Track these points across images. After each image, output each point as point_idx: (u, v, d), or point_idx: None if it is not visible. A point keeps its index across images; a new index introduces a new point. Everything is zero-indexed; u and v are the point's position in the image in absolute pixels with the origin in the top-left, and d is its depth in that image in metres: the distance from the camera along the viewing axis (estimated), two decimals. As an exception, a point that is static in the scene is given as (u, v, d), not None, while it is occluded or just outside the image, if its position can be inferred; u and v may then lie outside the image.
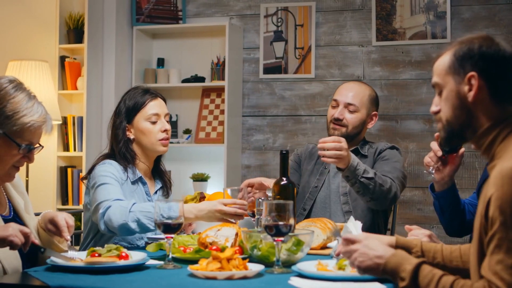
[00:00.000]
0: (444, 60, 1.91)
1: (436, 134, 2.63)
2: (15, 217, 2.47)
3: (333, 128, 3.45)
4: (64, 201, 5.29)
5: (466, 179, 5.07)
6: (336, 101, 3.47)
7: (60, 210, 4.86)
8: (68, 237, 2.40)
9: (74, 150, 5.30)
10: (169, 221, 2.28)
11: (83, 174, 5.20)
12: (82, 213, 5.08)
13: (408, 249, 2.06)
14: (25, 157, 2.39)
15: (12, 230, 2.12)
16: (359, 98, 3.45)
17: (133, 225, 2.76)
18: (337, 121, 3.44)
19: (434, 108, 1.96)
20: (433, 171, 2.77)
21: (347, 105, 3.44)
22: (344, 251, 1.95)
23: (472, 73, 1.84)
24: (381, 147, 3.51)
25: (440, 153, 2.74)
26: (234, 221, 2.76)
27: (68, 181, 5.28)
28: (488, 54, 1.85)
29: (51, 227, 2.46)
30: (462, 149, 2.76)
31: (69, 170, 5.29)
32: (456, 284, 1.71)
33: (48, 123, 2.41)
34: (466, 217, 2.90)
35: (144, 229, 2.78)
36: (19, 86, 2.39)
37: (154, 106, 3.12)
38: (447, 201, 2.87)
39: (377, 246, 1.90)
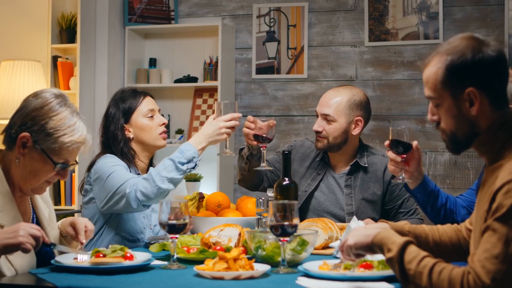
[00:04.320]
0: (436, 72, 1.88)
1: (386, 142, 2.78)
2: None
3: (317, 140, 3.37)
4: (57, 201, 5.27)
5: (458, 179, 5.10)
6: (316, 112, 3.40)
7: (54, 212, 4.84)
8: (84, 241, 2.41)
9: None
10: (174, 221, 2.28)
11: (75, 174, 5.19)
12: (76, 214, 5.09)
13: (401, 234, 2.09)
14: (59, 174, 2.38)
15: (22, 238, 2.08)
16: (334, 107, 3.32)
17: (165, 185, 2.83)
18: (317, 133, 3.36)
19: (432, 117, 1.95)
20: (403, 176, 2.82)
21: (324, 116, 3.34)
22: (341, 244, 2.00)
23: (471, 88, 1.83)
24: None
25: (399, 158, 2.79)
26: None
27: (61, 181, 5.25)
28: (482, 63, 1.83)
29: (70, 230, 2.46)
30: (415, 142, 2.79)
31: (61, 170, 5.27)
32: (437, 266, 1.74)
33: (87, 144, 2.39)
34: (454, 211, 2.93)
35: (176, 182, 2.87)
36: (63, 101, 2.36)
37: (148, 103, 3.21)
38: (425, 194, 2.90)
39: (368, 229, 1.97)
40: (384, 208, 3.36)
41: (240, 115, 2.99)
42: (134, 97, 3.18)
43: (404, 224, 2.18)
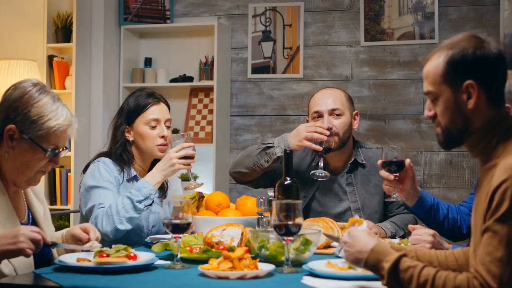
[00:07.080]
0: (436, 67, 1.90)
1: (379, 161, 2.79)
2: (33, 224, 2.44)
3: (326, 141, 3.25)
4: (53, 201, 5.26)
5: (454, 178, 5.12)
6: (318, 112, 3.33)
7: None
8: (90, 237, 2.41)
9: (63, 149, 5.25)
10: (178, 221, 2.29)
11: (71, 174, 5.17)
12: (71, 214, 5.09)
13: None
14: (51, 161, 2.37)
15: (22, 244, 2.09)
16: (339, 101, 3.34)
17: (123, 226, 2.89)
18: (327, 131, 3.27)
19: (429, 113, 1.96)
20: (397, 194, 2.84)
21: (332, 112, 3.31)
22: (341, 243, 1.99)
23: (470, 81, 1.84)
24: None
25: (392, 177, 2.79)
26: (189, 165, 3.03)
27: (56, 181, 5.25)
28: (482, 58, 1.85)
29: (79, 232, 2.47)
30: (408, 160, 2.80)
31: (57, 170, 5.26)
32: (438, 276, 1.73)
33: (73, 126, 2.39)
34: (458, 218, 2.93)
35: (134, 221, 2.93)
36: (42, 89, 2.36)
37: (155, 111, 3.15)
38: (424, 210, 2.90)
39: (360, 238, 1.91)
40: (384, 200, 3.38)
41: (192, 144, 3.03)
42: (144, 100, 3.15)
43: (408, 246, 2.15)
